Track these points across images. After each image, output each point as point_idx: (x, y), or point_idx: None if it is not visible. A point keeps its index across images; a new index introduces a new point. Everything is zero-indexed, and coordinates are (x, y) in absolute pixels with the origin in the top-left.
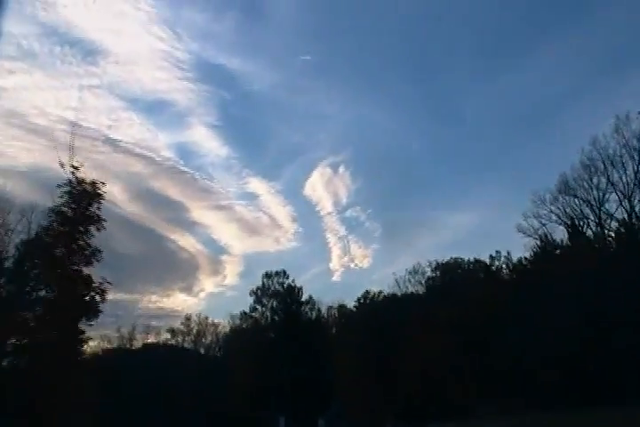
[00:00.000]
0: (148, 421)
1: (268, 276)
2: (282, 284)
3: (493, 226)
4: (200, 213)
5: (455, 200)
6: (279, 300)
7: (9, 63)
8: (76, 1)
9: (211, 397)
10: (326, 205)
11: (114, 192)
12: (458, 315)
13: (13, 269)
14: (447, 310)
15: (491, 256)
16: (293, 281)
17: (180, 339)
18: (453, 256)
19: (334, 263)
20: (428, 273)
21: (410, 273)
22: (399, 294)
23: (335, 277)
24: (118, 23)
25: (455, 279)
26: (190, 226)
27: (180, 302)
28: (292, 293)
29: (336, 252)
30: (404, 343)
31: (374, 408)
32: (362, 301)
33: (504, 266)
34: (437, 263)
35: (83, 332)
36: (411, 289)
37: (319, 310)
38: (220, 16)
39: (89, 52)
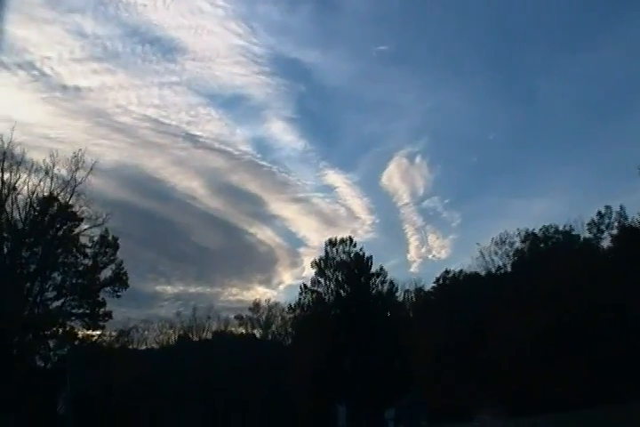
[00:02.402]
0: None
1: (331, 243)
2: (348, 253)
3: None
4: (278, 206)
5: (536, 186)
6: (345, 271)
7: (95, 64)
8: (155, 0)
9: (267, 385)
10: (403, 196)
11: (195, 187)
12: (553, 293)
13: None
14: (540, 287)
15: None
16: (362, 249)
17: (249, 326)
18: (546, 224)
19: (412, 254)
20: (517, 244)
21: (496, 244)
22: (482, 273)
23: (413, 269)
24: (196, 20)
25: (551, 250)
26: (269, 219)
27: (260, 295)
28: (360, 263)
29: (414, 243)
30: (491, 326)
31: (460, 398)
32: (441, 281)
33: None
34: (527, 233)
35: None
36: (497, 262)
37: (392, 284)
38: (295, 9)
39: (168, 50)
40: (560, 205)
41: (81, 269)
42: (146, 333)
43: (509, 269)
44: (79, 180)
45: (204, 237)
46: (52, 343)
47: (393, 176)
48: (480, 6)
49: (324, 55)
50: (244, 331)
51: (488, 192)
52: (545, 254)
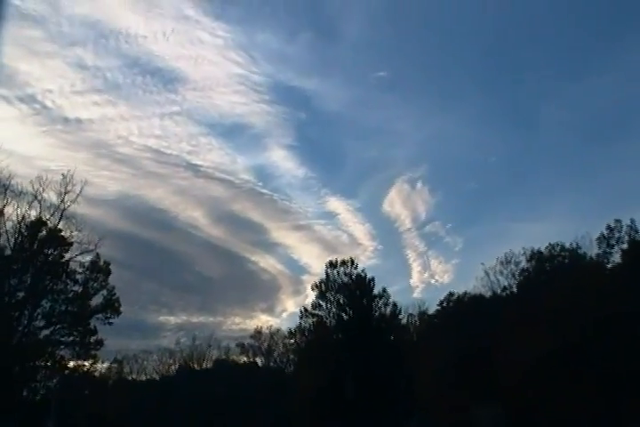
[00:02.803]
0: None
1: (332, 266)
2: (349, 275)
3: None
4: (280, 233)
5: (538, 209)
6: (347, 293)
7: (96, 96)
8: (155, 31)
9: (269, 412)
10: (405, 222)
11: (197, 217)
12: (558, 312)
13: None
14: (546, 306)
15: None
16: (363, 271)
17: (250, 354)
18: (552, 242)
19: (415, 280)
20: (523, 264)
21: (501, 263)
22: (487, 295)
23: (416, 294)
24: (196, 50)
25: (557, 269)
26: (271, 247)
27: (263, 323)
28: (362, 284)
29: (416, 268)
30: (496, 347)
31: (467, 419)
32: (445, 304)
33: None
34: (533, 251)
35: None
36: (503, 282)
37: (395, 306)
38: (294, 38)
39: (169, 81)
40: (563, 226)
41: (70, 295)
42: (145, 363)
43: (515, 289)
44: (68, 203)
45: (206, 267)
46: (40, 374)
47: (394, 202)
48: (478, 32)
49: (323, 82)
50: (245, 359)
51: (490, 216)
52: (551, 273)
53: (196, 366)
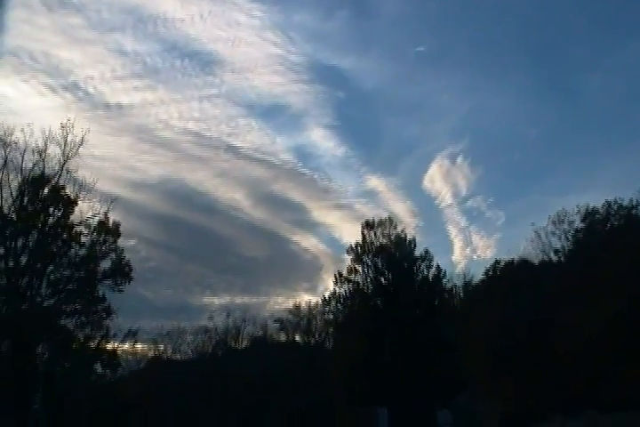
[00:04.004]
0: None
1: (368, 226)
2: (388, 235)
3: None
4: (321, 213)
5: (578, 183)
6: (385, 256)
7: (136, 81)
8: (193, 14)
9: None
10: (446, 197)
11: (238, 198)
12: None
13: None
14: (608, 270)
15: None
16: (403, 231)
17: (289, 330)
18: (609, 199)
19: (457, 255)
20: (577, 223)
21: (553, 223)
22: (538, 258)
23: (458, 270)
24: (233, 32)
25: (617, 228)
26: (312, 227)
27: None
28: (403, 246)
29: (458, 244)
30: (554, 316)
31: (526, 398)
32: (491, 272)
33: None
34: (588, 210)
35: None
36: (555, 243)
37: (439, 268)
38: (331, 16)
39: (207, 63)
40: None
41: (77, 260)
42: (179, 341)
43: (567, 251)
44: (70, 155)
45: (248, 248)
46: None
47: (435, 178)
48: (519, 2)
49: (361, 60)
50: (284, 336)
51: (532, 190)
52: (610, 233)
53: (233, 344)
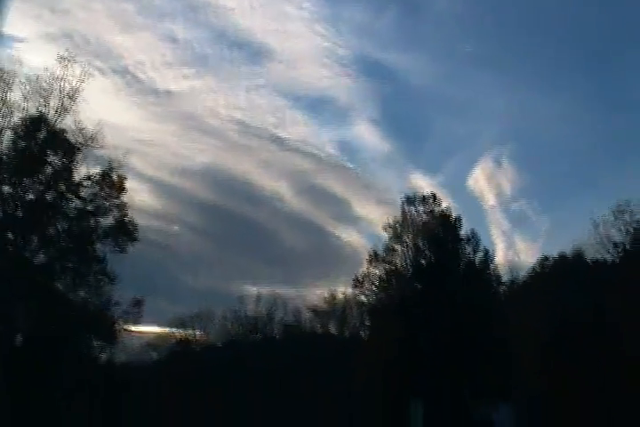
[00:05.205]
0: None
1: (409, 201)
2: (431, 212)
3: None
4: (363, 207)
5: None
6: (427, 235)
7: (185, 69)
8: (243, 4)
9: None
10: (490, 199)
11: (281, 189)
12: None
13: None
14: None
15: None
16: (448, 208)
17: (324, 319)
18: None
19: (499, 258)
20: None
21: (614, 213)
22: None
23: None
24: (282, 23)
25: None
26: (354, 221)
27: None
28: (447, 224)
29: (500, 246)
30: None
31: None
32: (539, 269)
33: None
34: None
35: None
36: (615, 236)
37: (487, 252)
38: (380, 10)
39: (255, 54)
40: None
41: (74, 214)
42: (209, 327)
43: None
44: (71, 94)
45: (290, 239)
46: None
47: (479, 179)
48: (572, 6)
49: (409, 57)
50: (319, 327)
51: (577, 197)
52: None
53: (265, 331)
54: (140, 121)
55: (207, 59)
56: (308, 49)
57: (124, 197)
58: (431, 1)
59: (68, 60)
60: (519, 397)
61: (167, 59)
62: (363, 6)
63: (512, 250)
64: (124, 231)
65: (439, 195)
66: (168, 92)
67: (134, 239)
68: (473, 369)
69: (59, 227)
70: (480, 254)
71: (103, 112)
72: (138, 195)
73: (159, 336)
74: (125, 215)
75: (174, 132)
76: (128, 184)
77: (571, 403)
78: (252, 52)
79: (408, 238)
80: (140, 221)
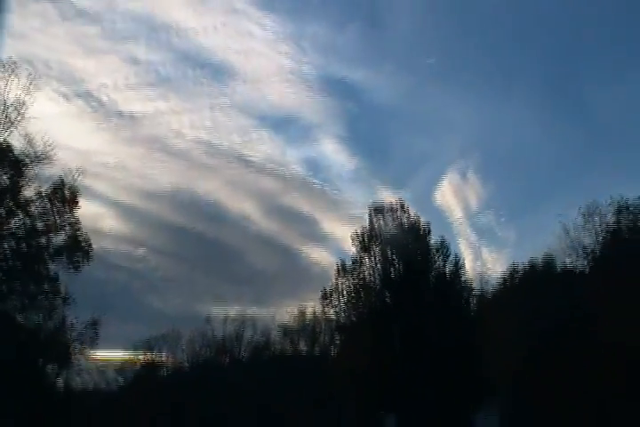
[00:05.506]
0: None
1: (377, 211)
2: (399, 222)
3: None
4: (330, 225)
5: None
6: (396, 245)
7: (148, 91)
8: (206, 25)
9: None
10: (456, 212)
11: (248, 209)
12: None
13: None
14: None
15: None
16: (416, 216)
17: (293, 337)
18: None
19: (466, 269)
20: (609, 218)
21: (583, 216)
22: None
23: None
24: (245, 43)
25: None
26: (322, 238)
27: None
28: (416, 233)
29: (468, 257)
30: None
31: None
32: (506, 281)
33: None
34: (621, 203)
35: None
36: (585, 239)
37: (457, 261)
38: (343, 27)
39: (219, 73)
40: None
41: (23, 232)
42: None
43: (600, 247)
44: (16, 103)
45: (258, 259)
46: None
47: (445, 191)
48: (534, 17)
49: (373, 73)
50: (289, 345)
51: (543, 206)
52: None
53: (234, 352)
54: (105, 144)
55: (171, 80)
56: (272, 68)
57: (77, 213)
58: (392, 15)
59: (12, 69)
60: (501, 406)
61: (130, 81)
62: (325, 24)
63: (479, 261)
64: (78, 249)
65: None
66: (132, 115)
67: (89, 257)
68: (449, 380)
69: (6, 246)
70: (450, 264)
71: (67, 137)
72: (104, 219)
73: (125, 361)
74: (79, 231)
75: (140, 155)
76: (93, 209)
77: (556, 408)
78: (215, 72)
79: (376, 249)
80: (107, 245)
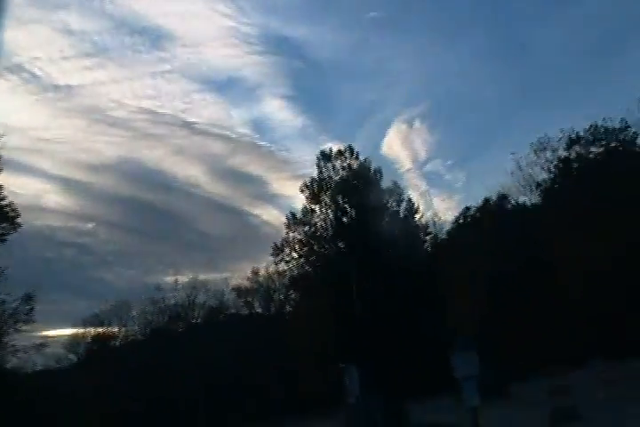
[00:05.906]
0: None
1: (325, 157)
2: (348, 167)
3: None
4: (281, 184)
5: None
6: (346, 191)
7: (85, 60)
8: None
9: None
10: (405, 162)
11: (197, 175)
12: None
13: None
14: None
15: None
16: (366, 160)
17: (249, 298)
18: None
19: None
20: (561, 152)
21: (535, 152)
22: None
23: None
24: (182, 5)
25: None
26: (272, 199)
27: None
28: (367, 178)
29: (421, 208)
30: (553, 255)
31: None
32: (461, 221)
33: None
34: (572, 137)
35: None
36: (540, 175)
37: (410, 202)
38: None
39: (157, 39)
40: None
41: None
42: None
43: (551, 181)
44: None
45: (209, 224)
46: None
47: (393, 143)
48: None
49: (315, 29)
50: (244, 308)
51: (491, 150)
52: (599, 160)
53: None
54: (43, 119)
55: (108, 49)
56: (212, 30)
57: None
58: None
59: None
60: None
61: (65, 52)
62: None
63: (431, 210)
64: (2, 217)
65: None
66: (69, 87)
67: (16, 225)
68: (411, 330)
69: None
70: (404, 206)
71: (2, 113)
72: (49, 196)
73: (75, 337)
74: (2, 199)
75: (81, 128)
76: (38, 186)
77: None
78: (154, 38)
79: (327, 198)
80: (54, 222)
